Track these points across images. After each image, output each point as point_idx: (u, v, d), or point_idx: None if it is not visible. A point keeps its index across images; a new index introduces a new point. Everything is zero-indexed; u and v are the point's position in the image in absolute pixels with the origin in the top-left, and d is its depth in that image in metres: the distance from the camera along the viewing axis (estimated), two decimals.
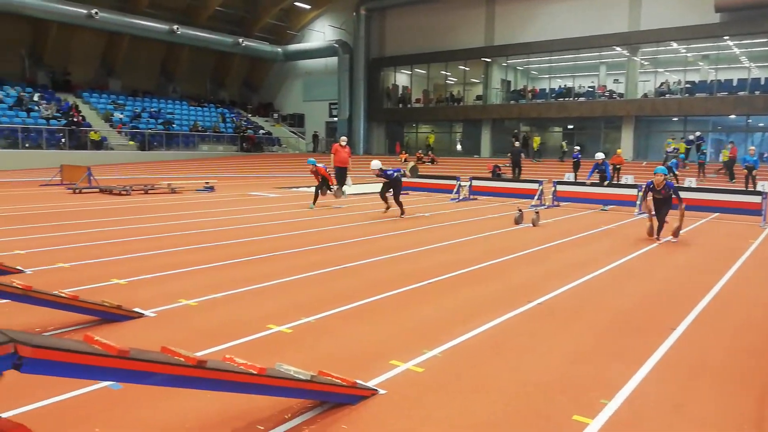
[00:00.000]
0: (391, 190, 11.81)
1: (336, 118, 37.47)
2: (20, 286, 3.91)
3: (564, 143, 29.52)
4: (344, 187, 15.85)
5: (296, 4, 36.72)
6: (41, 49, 30.39)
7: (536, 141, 31.06)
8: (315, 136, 38.70)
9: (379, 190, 12.11)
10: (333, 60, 37.09)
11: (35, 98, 27.78)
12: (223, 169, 27.09)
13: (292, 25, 39.45)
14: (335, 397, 3.10)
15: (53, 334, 4.08)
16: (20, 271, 5.89)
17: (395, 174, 11.75)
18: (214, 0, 34.44)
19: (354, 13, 35.62)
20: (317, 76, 39.15)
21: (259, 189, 18.31)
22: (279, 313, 4.73)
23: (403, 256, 7.43)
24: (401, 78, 37.47)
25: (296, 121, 40.57)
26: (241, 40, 35.44)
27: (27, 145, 24.72)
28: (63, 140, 26.10)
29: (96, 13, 28.47)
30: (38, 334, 3.66)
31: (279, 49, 38.45)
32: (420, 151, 31.63)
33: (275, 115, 40.54)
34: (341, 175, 15.54)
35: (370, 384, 3.32)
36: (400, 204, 11.83)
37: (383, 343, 4.07)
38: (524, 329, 4.47)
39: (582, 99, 30.21)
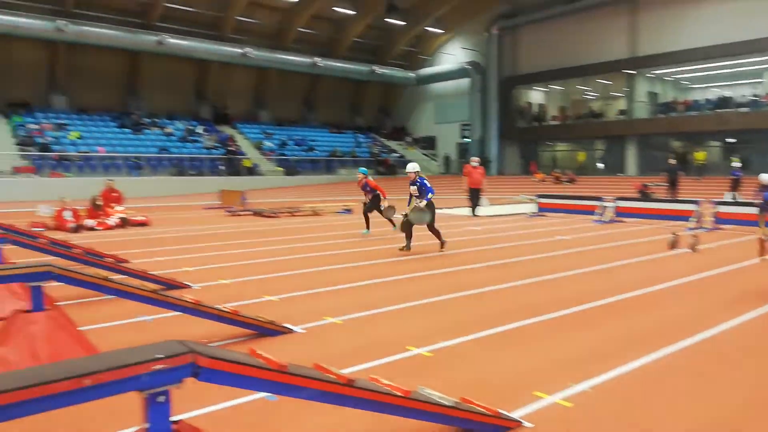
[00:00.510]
0: (423, 215, 9.12)
1: (467, 139, 37.41)
2: (191, 301, 4.36)
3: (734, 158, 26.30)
4: (479, 209, 15.68)
5: (428, 29, 37.56)
6: (204, 87, 34.17)
7: (699, 156, 28.08)
8: (447, 158, 38.95)
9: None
10: (464, 81, 37.21)
11: (199, 131, 31.25)
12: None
13: (424, 50, 40.35)
14: (478, 426, 3.02)
15: (218, 345, 4.47)
16: (188, 287, 6.58)
17: (429, 194, 9.19)
18: (352, 32, 36.41)
19: (486, 33, 35.54)
20: (449, 98, 39.49)
21: None
22: (420, 335, 4.75)
23: (547, 281, 7.12)
24: (535, 95, 36.44)
25: (428, 143, 41.18)
26: (375, 68, 36.99)
27: (192, 172, 27.78)
28: (221, 167, 28.96)
29: (249, 51, 31.46)
30: (206, 345, 4.06)
31: (411, 74, 39.48)
32: (556, 170, 30.41)
33: (408, 139, 41.50)
34: (475, 196, 15.40)
35: (514, 415, 3.20)
36: (437, 233, 9.34)
37: (527, 373, 3.90)
38: (689, 367, 4.04)
39: (745, 109, 27.10)
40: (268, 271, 7.68)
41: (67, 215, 12.33)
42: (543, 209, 16.64)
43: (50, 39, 26.67)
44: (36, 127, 25.37)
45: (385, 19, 34.27)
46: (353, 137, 38.23)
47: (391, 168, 36.69)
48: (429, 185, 9.30)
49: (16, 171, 22.39)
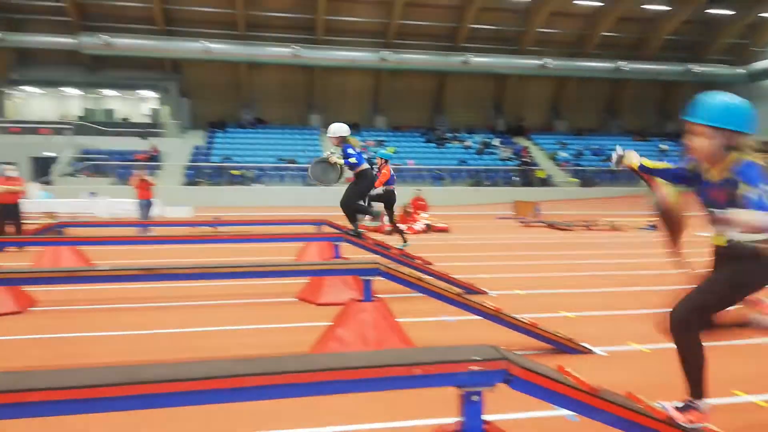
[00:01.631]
0: (327, 171, 7.78)
1: None
2: (492, 308, 4.54)
3: None
4: None
5: (764, 15, 31.46)
6: (501, 100, 35.29)
7: None
8: None
9: None
10: None
11: (495, 143, 32.40)
12: None
13: (757, 40, 33.92)
14: None
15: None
16: (485, 293, 6.87)
17: (350, 160, 7.53)
18: (664, 30, 32.95)
19: None
20: None
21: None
22: (748, 378, 4.02)
23: None
24: None
25: None
26: (692, 66, 32.67)
27: (487, 183, 28.96)
28: (515, 178, 29.46)
29: (548, 62, 31.28)
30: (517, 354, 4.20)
31: (741, 70, 33.64)
32: None
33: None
34: None
35: None
36: (352, 216, 7.82)
37: None
38: None
39: None
40: (563, 286, 7.50)
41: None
42: None
43: (375, 68, 31.17)
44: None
45: (707, 11, 30.04)
46: (656, 145, 34.52)
47: None
48: (355, 153, 7.60)
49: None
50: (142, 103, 32.24)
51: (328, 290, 6.08)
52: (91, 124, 29.19)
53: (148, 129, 29.51)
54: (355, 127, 31.83)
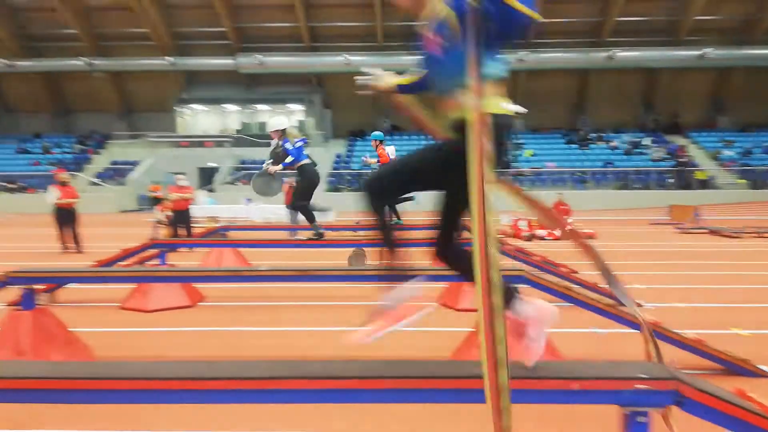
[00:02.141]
0: (269, 183, 7.58)
1: None
2: (650, 321, 4.19)
3: None
4: None
5: None
6: (652, 96, 32.57)
7: None
8: None
9: None
10: None
11: (646, 142, 29.96)
12: None
13: None
14: None
15: None
16: (639, 305, 6.36)
17: (289, 159, 7.14)
18: None
19: None
20: None
21: None
22: None
23: None
24: None
25: None
26: None
27: (637, 185, 26.88)
28: (670, 180, 27.00)
29: (708, 52, 28.28)
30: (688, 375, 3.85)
31: None
32: None
33: None
34: None
35: None
36: (309, 216, 7.41)
37: None
38: None
39: None
40: (732, 300, 6.70)
41: (522, 225, 13.78)
42: None
43: (512, 69, 30.47)
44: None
45: None
46: None
47: None
48: (296, 149, 7.14)
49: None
50: (290, 116, 34.70)
51: (467, 296, 6.04)
52: (247, 136, 32.03)
53: None
54: None
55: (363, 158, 8.42)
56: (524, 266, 5.60)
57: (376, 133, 10.30)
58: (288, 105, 34.10)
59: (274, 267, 5.01)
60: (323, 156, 29.73)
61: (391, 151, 10.00)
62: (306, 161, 7.38)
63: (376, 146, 9.87)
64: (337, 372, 2.10)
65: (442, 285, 6.77)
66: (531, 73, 31.07)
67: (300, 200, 7.48)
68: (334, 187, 26.95)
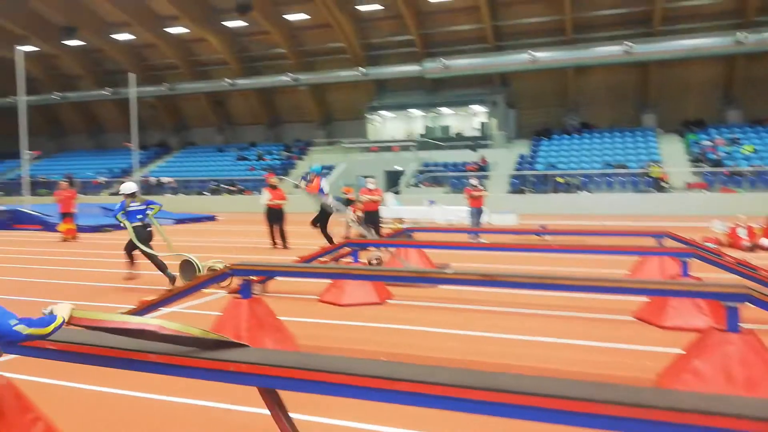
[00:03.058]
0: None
1: None
2: None
3: None
4: None
5: None
6: None
7: None
8: None
9: None
10: None
11: None
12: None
13: None
14: None
15: None
16: None
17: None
18: None
19: None
20: None
21: None
22: None
23: None
24: None
25: None
26: None
27: None
28: None
29: None
30: None
31: None
32: None
33: None
34: None
35: None
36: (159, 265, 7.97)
37: None
38: None
39: None
40: None
41: (742, 233, 11.95)
42: None
43: (728, 54, 26.64)
44: (709, 143, 25.92)
45: None
46: None
47: None
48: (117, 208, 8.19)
49: (689, 187, 23.58)
50: (473, 118, 34.65)
51: (674, 312, 5.40)
52: (430, 140, 32.82)
53: (477, 141, 31.57)
54: (700, 125, 27.79)
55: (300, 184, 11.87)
56: (749, 282, 4.83)
57: (315, 166, 12.79)
58: (471, 107, 34.14)
59: (461, 270, 5.01)
60: (506, 157, 29.18)
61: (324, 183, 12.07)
62: (137, 223, 8.19)
63: (313, 179, 11.80)
64: (532, 388, 2.00)
65: (637, 298, 6.16)
66: (751, 57, 26.84)
67: (131, 248, 8.33)
68: (518, 189, 26.27)
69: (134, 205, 8.28)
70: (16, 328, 2.23)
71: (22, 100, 21.66)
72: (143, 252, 8.06)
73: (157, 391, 3.99)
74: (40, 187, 35.09)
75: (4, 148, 47.08)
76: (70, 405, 3.85)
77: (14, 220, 19.52)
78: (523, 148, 30.41)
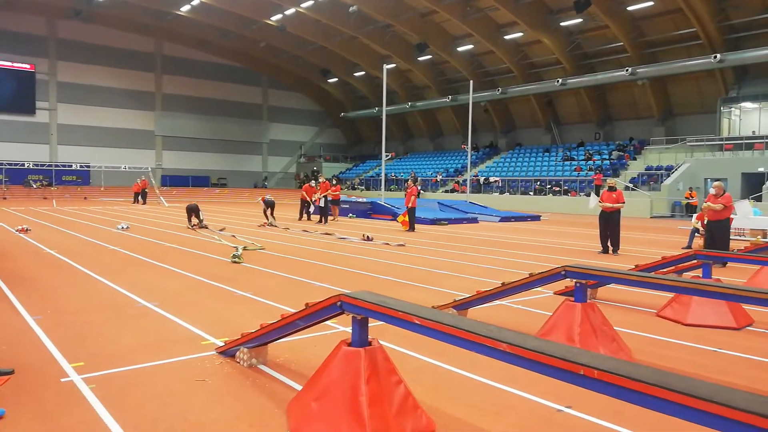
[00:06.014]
0: None
1: None
2: None
3: None
4: None
5: None
6: None
7: None
8: None
9: None
10: None
11: None
12: None
13: None
14: None
15: None
16: None
17: None
18: None
19: None
20: None
21: None
22: None
23: None
24: None
25: None
26: None
27: None
28: None
29: None
30: None
31: None
32: None
33: None
34: None
35: None
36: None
37: None
38: None
39: None
40: None
41: None
42: None
43: None
44: None
45: None
46: None
47: None
48: None
49: None
50: None
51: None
52: None
53: None
54: None
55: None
56: None
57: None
58: None
59: None
60: None
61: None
62: None
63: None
64: None
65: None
66: None
67: None
68: None
69: None
70: None
71: (384, 110, 25.58)
72: None
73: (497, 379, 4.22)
74: (391, 183, 41.12)
75: (367, 150, 56.70)
76: (420, 377, 4.38)
77: (372, 210, 23.37)
78: None
